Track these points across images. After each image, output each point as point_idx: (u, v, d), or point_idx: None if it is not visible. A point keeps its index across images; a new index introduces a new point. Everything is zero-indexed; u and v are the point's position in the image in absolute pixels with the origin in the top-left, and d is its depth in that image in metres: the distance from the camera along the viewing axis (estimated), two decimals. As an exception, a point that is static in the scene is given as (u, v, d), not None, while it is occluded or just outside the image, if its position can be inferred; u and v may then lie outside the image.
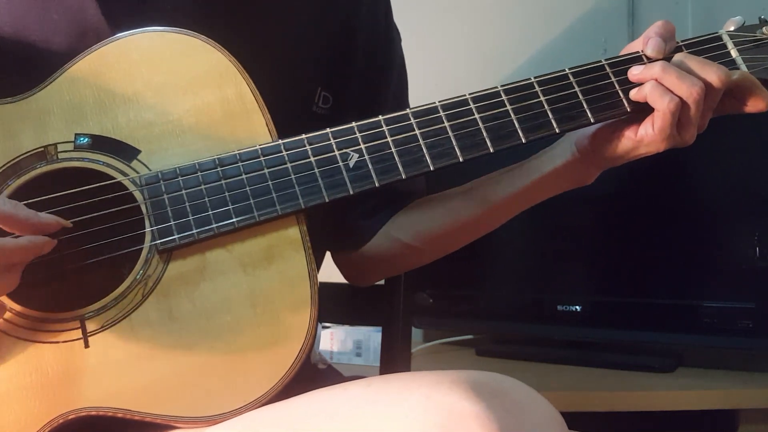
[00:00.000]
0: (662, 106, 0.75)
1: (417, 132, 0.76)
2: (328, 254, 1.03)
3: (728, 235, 1.40)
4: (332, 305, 1.10)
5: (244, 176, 0.74)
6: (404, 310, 1.10)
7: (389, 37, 1.01)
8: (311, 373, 0.99)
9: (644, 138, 0.77)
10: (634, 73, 0.79)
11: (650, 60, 0.79)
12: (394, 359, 1.10)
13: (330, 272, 1.03)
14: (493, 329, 1.71)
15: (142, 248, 0.72)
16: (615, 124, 0.80)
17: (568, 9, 1.85)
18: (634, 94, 0.78)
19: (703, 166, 1.37)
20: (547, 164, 0.85)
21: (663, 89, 0.76)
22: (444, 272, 0.99)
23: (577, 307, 1.52)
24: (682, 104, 0.75)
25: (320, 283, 0.74)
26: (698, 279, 1.42)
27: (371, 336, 1.63)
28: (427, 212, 0.95)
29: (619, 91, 0.79)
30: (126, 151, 0.75)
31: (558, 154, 0.85)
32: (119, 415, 0.67)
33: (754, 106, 0.79)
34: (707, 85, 0.75)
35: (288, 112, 0.79)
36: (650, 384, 1.36)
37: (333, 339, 1.67)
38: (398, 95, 0.99)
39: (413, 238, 0.94)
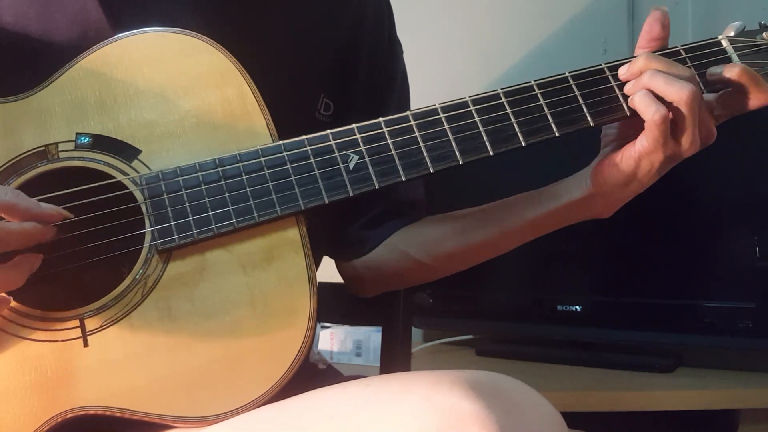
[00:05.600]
0: (648, 116, 0.74)
1: (417, 134, 0.76)
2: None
3: (728, 235, 1.40)
4: (332, 305, 1.10)
5: (244, 177, 0.74)
6: (404, 310, 1.10)
7: (392, 51, 1.01)
8: (311, 373, 1.00)
9: (642, 151, 0.76)
10: (621, 72, 0.79)
11: None
12: (394, 359, 1.10)
13: (331, 273, 1.03)
14: (493, 329, 1.71)
15: (141, 248, 0.72)
16: (619, 149, 0.79)
17: (568, 9, 1.85)
18: (629, 101, 0.78)
19: (704, 166, 1.37)
20: (564, 196, 0.84)
21: (649, 99, 0.75)
22: (444, 272, 0.99)
23: (577, 307, 1.52)
24: (677, 109, 0.75)
25: (320, 283, 0.74)
26: (698, 279, 1.42)
27: (371, 336, 1.63)
28: (439, 229, 0.94)
29: (619, 96, 0.78)
30: (127, 151, 0.75)
31: (574, 186, 0.84)
32: (118, 414, 0.68)
33: (758, 99, 0.78)
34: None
35: (290, 117, 0.79)
36: (650, 384, 1.36)
37: (333, 339, 1.68)
38: (400, 108, 0.99)
39: (423, 254, 0.94)
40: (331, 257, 1.02)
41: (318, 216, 0.77)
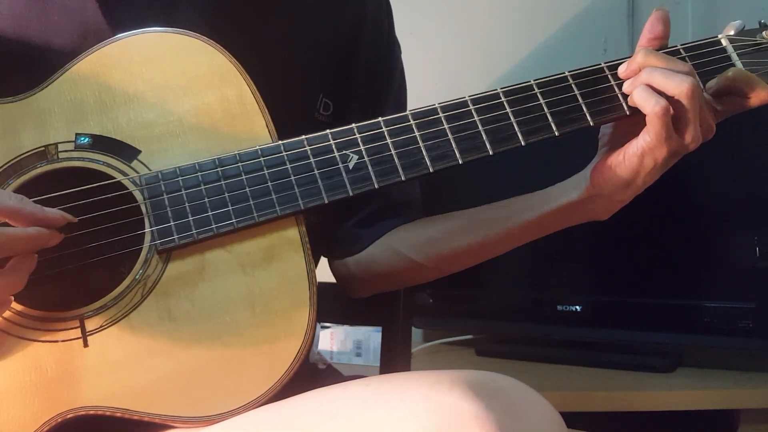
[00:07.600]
0: (649, 109, 0.74)
1: (417, 134, 0.76)
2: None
3: (728, 235, 1.40)
4: (332, 305, 1.10)
5: (243, 177, 0.74)
6: (404, 310, 1.10)
7: (391, 51, 1.01)
8: (311, 373, 1.00)
9: (645, 147, 0.76)
10: (620, 70, 0.79)
11: None
12: (394, 359, 1.10)
13: (331, 272, 1.03)
14: (493, 329, 1.71)
15: (141, 248, 0.72)
16: (619, 149, 0.79)
17: (568, 9, 1.85)
18: (629, 99, 0.78)
19: (704, 166, 1.37)
20: (562, 197, 0.84)
21: (648, 93, 0.75)
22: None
23: (577, 307, 1.52)
24: (677, 103, 0.74)
25: (321, 283, 0.74)
26: (698, 279, 1.42)
27: (371, 336, 1.63)
28: (434, 230, 0.94)
29: (619, 95, 0.78)
30: (126, 151, 0.75)
31: (571, 188, 0.83)
32: (118, 414, 0.68)
33: (757, 98, 0.78)
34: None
35: (290, 117, 0.79)
36: (650, 384, 1.36)
37: (333, 339, 1.68)
38: (398, 107, 0.99)
39: (418, 255, 0.93)
40: (324, 255, 1.01)
41: (316, 215, 0.77)
